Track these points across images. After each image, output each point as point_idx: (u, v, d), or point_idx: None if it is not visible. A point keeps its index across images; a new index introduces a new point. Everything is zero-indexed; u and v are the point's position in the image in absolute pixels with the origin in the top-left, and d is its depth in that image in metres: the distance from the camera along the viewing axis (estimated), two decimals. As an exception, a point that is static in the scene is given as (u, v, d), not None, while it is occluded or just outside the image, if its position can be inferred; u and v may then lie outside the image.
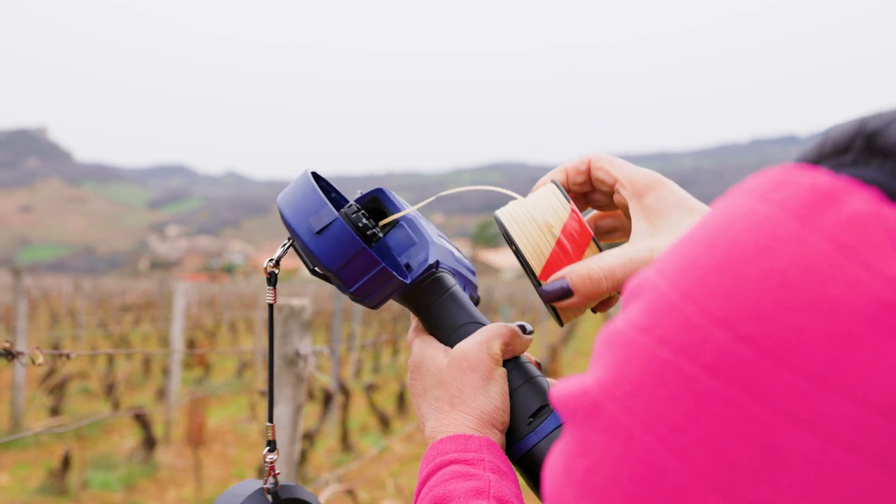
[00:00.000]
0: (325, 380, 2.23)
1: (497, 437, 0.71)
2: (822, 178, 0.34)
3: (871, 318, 0.30)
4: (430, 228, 0.85)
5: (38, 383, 8.89)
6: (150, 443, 6.45)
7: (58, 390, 7.70)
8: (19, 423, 7.19)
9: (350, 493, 2.44)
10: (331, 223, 0.73)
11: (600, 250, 0.72)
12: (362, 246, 0.73)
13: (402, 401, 8.90)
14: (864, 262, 0.31)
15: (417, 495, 0.68)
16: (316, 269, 0.76)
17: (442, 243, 0.84)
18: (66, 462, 5.57)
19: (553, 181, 0.76)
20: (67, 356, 1.27)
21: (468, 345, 0.74)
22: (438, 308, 0.80)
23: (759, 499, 0.31)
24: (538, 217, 0.73)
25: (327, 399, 6.04)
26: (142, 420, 6.20)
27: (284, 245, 0.78)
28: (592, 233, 0.73)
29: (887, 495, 0.29)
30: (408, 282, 0.77)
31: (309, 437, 5.76)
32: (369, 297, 0.76)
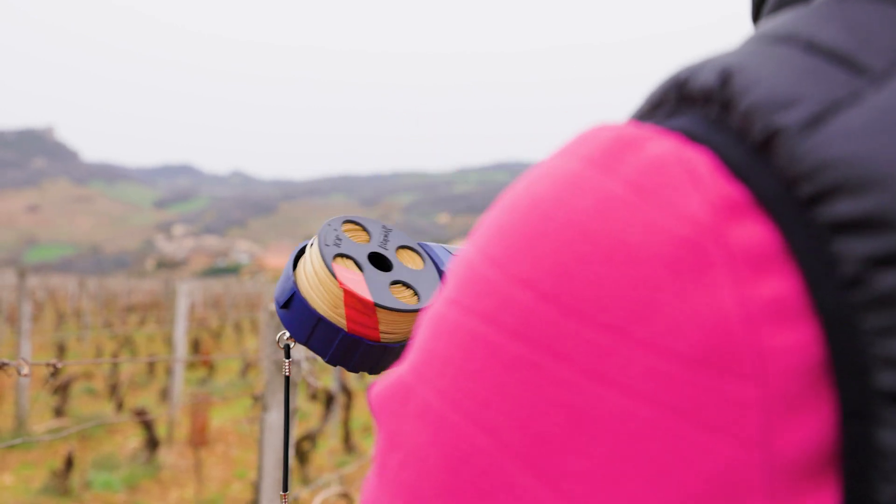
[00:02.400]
0: (320, 384, 2.23)
1: None
2: (626, 128, 0.32)
3: (672, 260, 0.28)
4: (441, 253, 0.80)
5: (42, 384, 8.93)
6: (152, 443, 6.47)
7: (62, 391, 7.73)
8: (23, 424, 7.23)
9: (345, 496, 2.46)
10: (291, 295, 0.70)
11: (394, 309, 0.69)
12: (317, 317, 0.68)
13: (405, 401, 8.91)
14: (663, 202, 0.29)
15: None
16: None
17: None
18: (69, 463, 5.60)
19: (329, 225, 0.73)
20: (55, 367, 1.28)
21: None
22: None
23: (571, 470, 0.28)
24: (324, 289, 0.69)
25: (329, 399, 6.05)
26: (145, 421, 6.22)
27: None
28: (373, 300, 0.68)
29: (702, 451, 0.27)
30: (388, 346, 0.70)
31: (311, 437, 5.77)
32: (349, 363, 0.71)
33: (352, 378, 10.69)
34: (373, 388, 0.37)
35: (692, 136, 0.31)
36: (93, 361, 1.64)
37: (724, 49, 0.37)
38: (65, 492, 5.61)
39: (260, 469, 2.02)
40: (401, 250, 0.75)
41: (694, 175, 0.29)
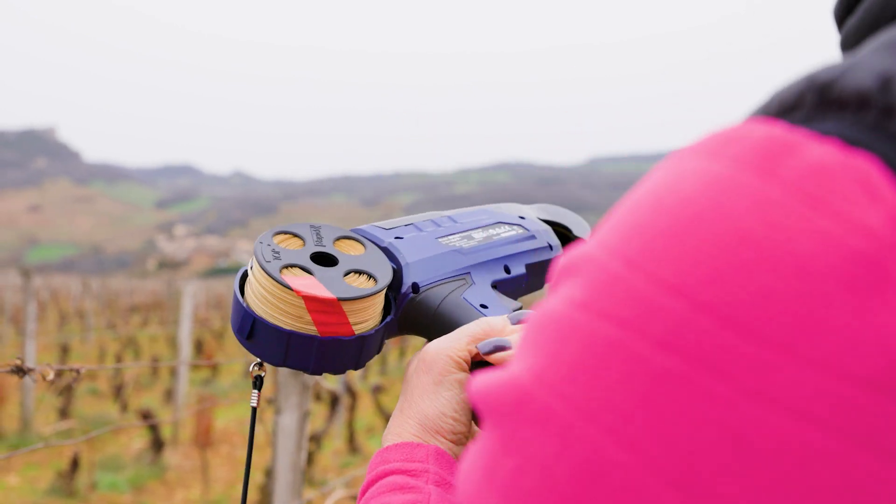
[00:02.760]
0: (331, 384, 2.24)
1: (447, 446, 0.64)
2: (777, 130, 0.30)
3: (847, 275, 0.26)
4: (416, 241, 0.78)
5: (47, 385, 8.93)
6: (157, 444, 6.48)
7: (66, 392, 7.75)
8: (29, 424, 7.25)
9: (355, 499, 2.46)
10: (252, 322, 0.68)
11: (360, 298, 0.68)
12: (287, 333, 0.67)
13: (408, 402, 8.92)
14: (833, 212, 0.27)
15: (364, 489, 0.62)
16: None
17: (431, 251, 0.76)
18: (74, 463, 5.61)
19: (261, 242, 0.71)
20: (78, 371, 1.29)
21: (433, 345, 0.67)
22: (433, 332, 0.73)
23: (724, 493, 0.26)
24: (283, 304, 0.67)
25: (334, 401, 6.07)
26: (150, 422, 6.23)
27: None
28: (334, 295, 0.67)
29: (879, 482, 0.25)
30: (364, 335, 0.70)
31: (316, 438, 5.79)
32: (333, 366, 0.70)
33: (356, 379, 10.70)
34: (475, 382, 0.35)
35: (851, 142, 0.29)
36: (100, 367, 1.65)
37: (841, 55, 0.37)
38: (70, 493, 5.62)
39: (273, 472, 2.03)
40: (338, 242, 0.75)
41: (867, 185, 0.27)
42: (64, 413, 7.66)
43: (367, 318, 0.70)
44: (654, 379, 0.28)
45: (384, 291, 0.72)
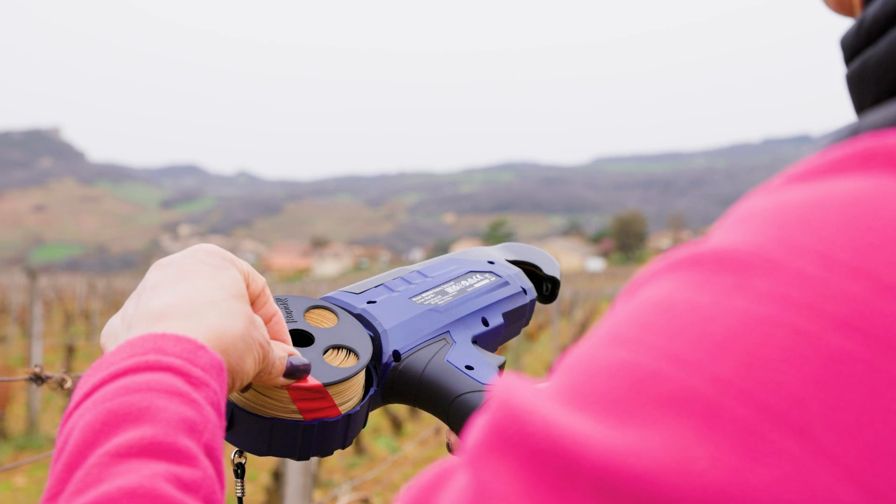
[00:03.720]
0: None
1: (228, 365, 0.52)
2: None
3: None
4: (389, 303, 0.73)
5: (53, 386, 8.94)
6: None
7: (59, 387, 7.74)
8: (35, 425, 7.26)
9: (365, 501, 2.46)
10: (231, 413, 0.64)
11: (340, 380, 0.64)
12: (270, 422, 0.63)
13: (414, 403, 8.94)
14: None
15: (79, 401, 0.46)
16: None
17: (407, 314, 0.72)
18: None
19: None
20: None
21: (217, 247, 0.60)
22: (421, 400, 0.70)
23: None
24: (265, 394, 0.63)
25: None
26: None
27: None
28: (320, 382, 0.63)
29: None
30: (350, 413, 0.66)
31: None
32: (321, 449, 0.66)
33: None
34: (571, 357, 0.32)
35: None
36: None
37: (853, 88, 0.37)
38: (77, 493, 5.62)
39: (283, 476, 2.03)
40: (308, 314, 0.71)
41: None
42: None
43: (351, 395, 0.66)
44: (831, 360, 0.26)
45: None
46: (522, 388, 0.31)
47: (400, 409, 8.96)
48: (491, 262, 0.83)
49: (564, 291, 29.05)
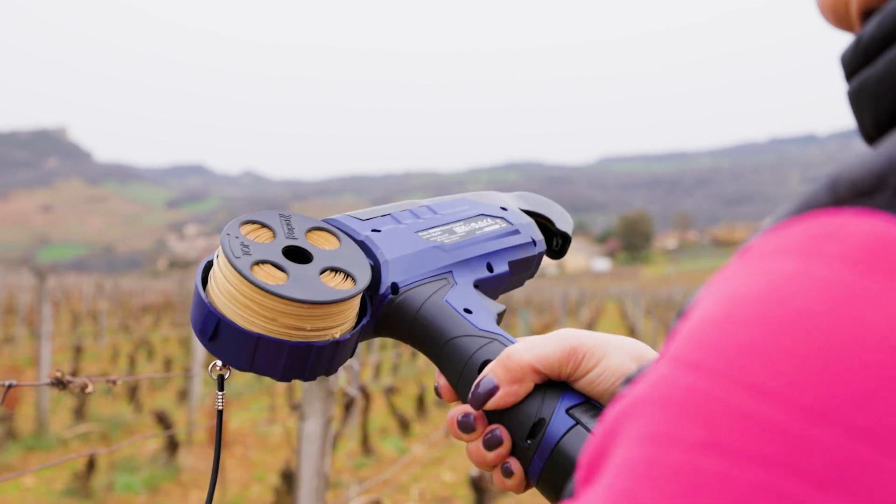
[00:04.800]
0: (347, 386, 2.24)
1: None
2: (880, 223, 0.27)
3: None
4: (394, 234, 0.71)
5: (76, 390, 8.97)
6: (172, 445, 6.50)
7: (81, 392, 7.76)
8: (44, 425, 7.28)
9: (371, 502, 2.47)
10: (217, 323, 0.62)
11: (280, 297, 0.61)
12: (255, 337, 0.61)
13: (421, 403, 8.93)
14: None
15: None
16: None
17: (411, 248, 0.70)
18: (90, 464, 5.63)
19: (229, 234, 0.65)
20: (114, 382, 1.29)
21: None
22: (414, 338, 0.67)
23: None
24: (254, 305, 0.62)
25: (348, 402, 6.07)
26: (164, 422, 6.25)
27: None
28: (312, 299, 0.61)
29: None
30: (340, 340, 0.64)
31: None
32: (303, 373, 0.65)
33: (369, 380, 10.71)
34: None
35: None
36: (134, 377, 1.65)
37: (854, 104, 0.37)
38: (86, 494, 5.63)
39: (297, 477, 2.03)
40: (310, 234, 0.69)
41: None
42: (79, 414, 7.69)
43: (343, 321, 0.65)
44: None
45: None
46: None
47: (408, 409, 8.97)
48: (503, 209, 0.80)
49: (570, 291, 29.01)
